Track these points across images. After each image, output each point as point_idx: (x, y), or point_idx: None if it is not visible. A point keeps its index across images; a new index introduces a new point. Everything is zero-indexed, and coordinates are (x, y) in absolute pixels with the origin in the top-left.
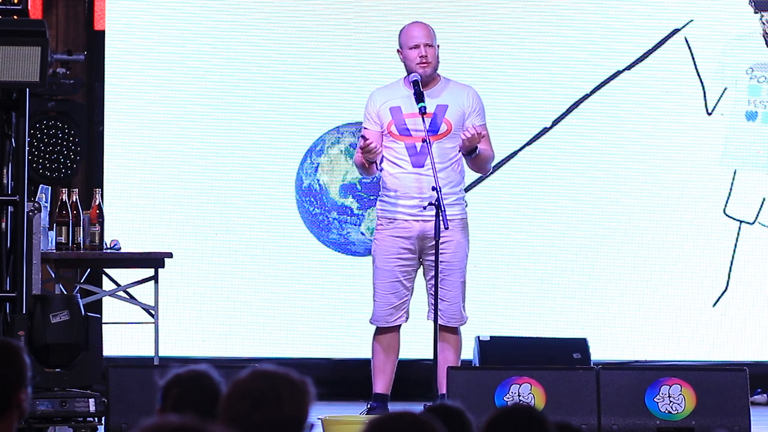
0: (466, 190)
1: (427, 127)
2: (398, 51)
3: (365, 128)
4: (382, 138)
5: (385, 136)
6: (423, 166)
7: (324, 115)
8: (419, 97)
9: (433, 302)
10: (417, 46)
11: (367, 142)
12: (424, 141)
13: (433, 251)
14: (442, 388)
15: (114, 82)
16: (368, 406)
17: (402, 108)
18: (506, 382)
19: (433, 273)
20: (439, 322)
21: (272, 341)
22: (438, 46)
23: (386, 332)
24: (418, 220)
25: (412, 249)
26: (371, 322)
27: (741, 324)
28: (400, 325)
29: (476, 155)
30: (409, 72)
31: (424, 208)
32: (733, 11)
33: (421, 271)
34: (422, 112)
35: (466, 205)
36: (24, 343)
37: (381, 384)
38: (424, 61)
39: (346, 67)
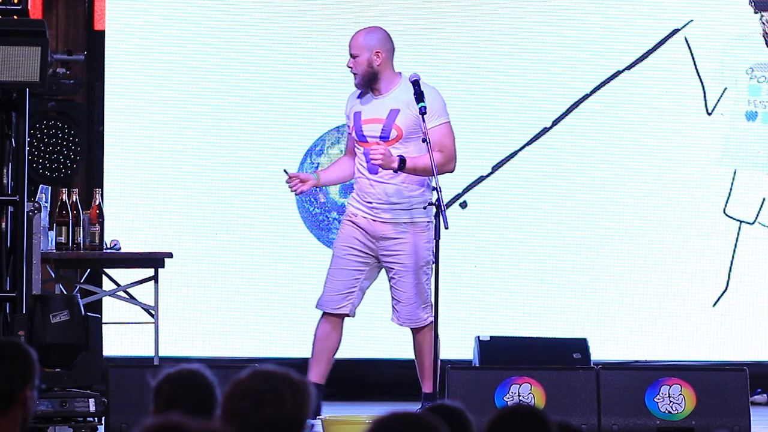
0: (466, 190)
1: (380, 134)
2: None
3: (347, 125)
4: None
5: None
6: (377, 173)
7: (324, 115)
8: (419, 97)
9: (394, 304)
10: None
11: (286, 180)
12: (423, 140)
13: (389, 253)
14: (426, 387)
15: (114, 82)
16: None
17: (362, 113)
18: (506, 382)
19: (392, 274)
20: (396, 323)
21: (272, 341)
22: (378, 52)
23: (328, 320)
24: (376, 220)
25: (368, 245)
26: (317, 307)
27: (741, 324)
28: (343, 318)
29: (407, 169)
30: None
31: (425, 207)
32: (733, 11)
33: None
34: (422, 112)
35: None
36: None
37: (315, 373)
38: (351, 72)
39: (346, 67)
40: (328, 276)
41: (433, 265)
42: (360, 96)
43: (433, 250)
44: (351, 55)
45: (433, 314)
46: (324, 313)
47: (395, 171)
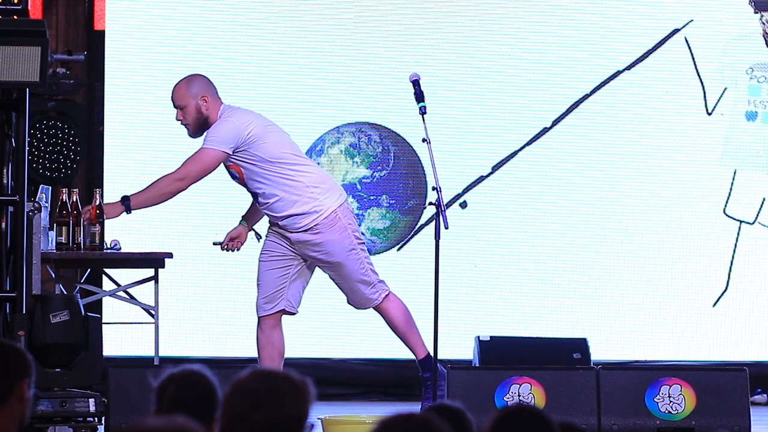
0: (466, 190)
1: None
2: None
3: None
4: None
5: None
6: (259, 203)
7: (324, 115)
8: (419, 97)
9: (344, 294)
10: None
11: (222, 248)
12: (424, 140)
13: (312, 255)
14: (419, 354)
15: (114, 82)
16: None
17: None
18: (506, 382)
19: (326, 271)
20: (355, 307)
21: None
22: (204, 97)
23: (266, 323)
24: (290, 232)
25: (291, 248)
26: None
27: (741, 324)
28: (280, 316)
29: (134, 204)
30: None
31: (424, 207)
32: (733, 11)
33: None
34: (422, 112)
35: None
36: (24, 343)
37: None
38: (182, 124)
39: (345, 67)
40: (257, 284)
41: (360, 245)
42: None
43: (351, 234)
44: (178, 108)
45: (435, 316)
46: (260, 318)
47: (128, 212)
